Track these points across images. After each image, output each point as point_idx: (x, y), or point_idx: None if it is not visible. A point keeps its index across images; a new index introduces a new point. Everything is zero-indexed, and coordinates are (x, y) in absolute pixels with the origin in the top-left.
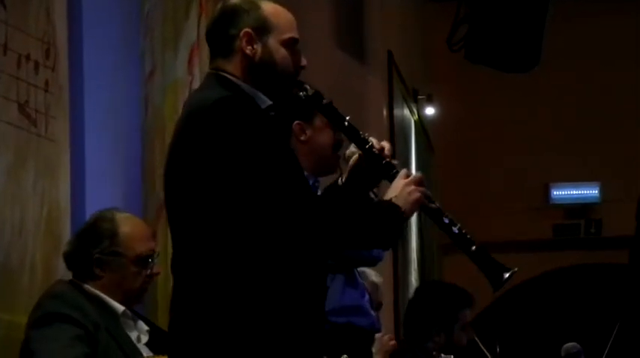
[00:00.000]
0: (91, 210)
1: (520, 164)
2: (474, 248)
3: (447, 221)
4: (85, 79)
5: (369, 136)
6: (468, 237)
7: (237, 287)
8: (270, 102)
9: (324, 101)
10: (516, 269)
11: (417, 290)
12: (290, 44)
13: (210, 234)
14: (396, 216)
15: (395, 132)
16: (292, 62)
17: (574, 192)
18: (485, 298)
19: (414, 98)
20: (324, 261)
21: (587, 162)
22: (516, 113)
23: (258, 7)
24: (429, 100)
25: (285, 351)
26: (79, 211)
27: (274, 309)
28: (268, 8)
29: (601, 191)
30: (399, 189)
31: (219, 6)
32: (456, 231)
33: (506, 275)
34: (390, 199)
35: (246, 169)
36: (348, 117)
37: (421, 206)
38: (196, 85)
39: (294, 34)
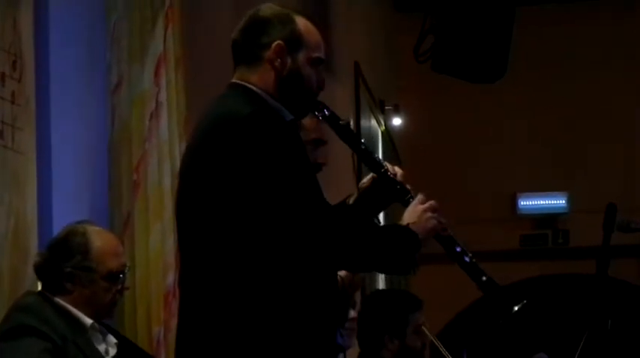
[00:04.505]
0: (58, 222)
1: (487, 174)
2: (484, 278)
3: (459, 250)
4: (51, 91)
5: (383, 160)
6: (480, 267)
7: (252, 300)
8: (292, 117)
9: (341, 122)
10: (525, 301)
11: (365, 301)
12: (316, 63)
13: (227, 244)
14: (414, 243)
15: None
16: (316, 82)
17: (541, 203)
18: (453, 307)
19: (381, 109)
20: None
21: (555, 172)
22: (483, 124)
23: (293, 21)
24: (396, 111)
25: None
26: (46, 223)
27: (288, 322)
28: (302, 24)
29: (568, 201)
30: (416, 215)
31: (250, 13)
32: (468, 261)
33: (516, 308)
34: (408, 225)
35: (273, 184)
36: (363, 140)
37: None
38: (163, 97)
39: (321, 54)
